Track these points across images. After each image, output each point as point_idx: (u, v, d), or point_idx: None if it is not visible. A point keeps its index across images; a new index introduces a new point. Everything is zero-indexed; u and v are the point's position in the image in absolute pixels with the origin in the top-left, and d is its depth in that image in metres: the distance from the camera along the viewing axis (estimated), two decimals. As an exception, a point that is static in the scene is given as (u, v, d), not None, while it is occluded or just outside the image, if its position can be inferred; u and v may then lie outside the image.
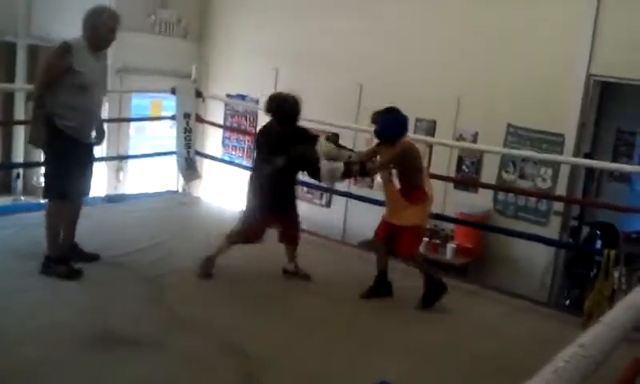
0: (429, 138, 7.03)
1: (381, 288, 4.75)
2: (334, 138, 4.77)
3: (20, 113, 8.75)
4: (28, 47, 8.92)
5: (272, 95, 4.94)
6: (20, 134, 8.89)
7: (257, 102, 8.31)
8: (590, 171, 7.06)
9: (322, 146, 4.64)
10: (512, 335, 4.40)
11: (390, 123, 4.54)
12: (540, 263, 6.59)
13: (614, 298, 4.53)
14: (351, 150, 4.82)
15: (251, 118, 8.91)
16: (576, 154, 6.46)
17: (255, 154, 5.16)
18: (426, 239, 6.62)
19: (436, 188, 4.75)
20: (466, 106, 7.05)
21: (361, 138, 7.34)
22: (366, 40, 7.78)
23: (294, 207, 5.01)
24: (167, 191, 7.57)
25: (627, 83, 6.40)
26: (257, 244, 4.85)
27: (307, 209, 8.18)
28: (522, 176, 6.81)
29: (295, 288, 4.85)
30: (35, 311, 3.86)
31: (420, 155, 4.71)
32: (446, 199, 6.83)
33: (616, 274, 4.69)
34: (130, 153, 8.71)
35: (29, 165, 8.52)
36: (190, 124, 7.04)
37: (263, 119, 5.66)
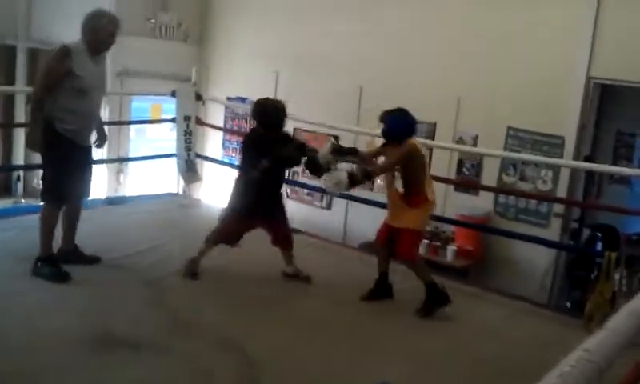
0: (429, 141, 7.02)
1: (381, 290, 4.75)
2: (336, 147, 4.71)
3: (20, 115, 8.74)
4: (28, 50, 8.92)
5: (257, 101, 4.91)
6: (20, 136, 8.87)
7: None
8: (590, 173, 7.06)
9: (324, 157, 4.61)
10: (513, 338, 4.39)
11: (398, 123, 4.53)
12: (540, 265, 6.59)
13: (614, 301, 4.53)
14: (355, 152, 4.77)
15: (251, 121, 8.90)
16: (576, 157, 6.47)
17: (241, 159, 5.14)
18: (426, 241, 6.63)
19: (436, 190, 4.74)
20: (466, 109, 7.05)
21: (361, 141, 7.34)
22: (366, 42, 7.79)
23: (280, 209, 4.96)
24: (168, 193, 7.57)
25: (627, 85, 6.40)
26: (234, 247, 4.83)
27: (308, 211, 8.21)
28: (522, 178, 6.81)
29: (296, 290, 4.84)
30: (35, 314, 3.85)
31: (425, 159, 4.69)
32: (446, 201, 6.83)
33: (617, 277, 4.69)
34: (131, 155, 8.72)
35: (29, 167, 8.50)
36: (190, 127, 7.04)
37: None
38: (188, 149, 7.06)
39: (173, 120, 7.19)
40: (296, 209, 8.06)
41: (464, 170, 7.18)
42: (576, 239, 6.98)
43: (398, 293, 4.77)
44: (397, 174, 4.68)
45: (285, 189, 8.31)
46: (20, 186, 9.23)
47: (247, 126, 8.96)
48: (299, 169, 7.63)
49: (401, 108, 4.57)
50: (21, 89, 8.66)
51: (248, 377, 3.41)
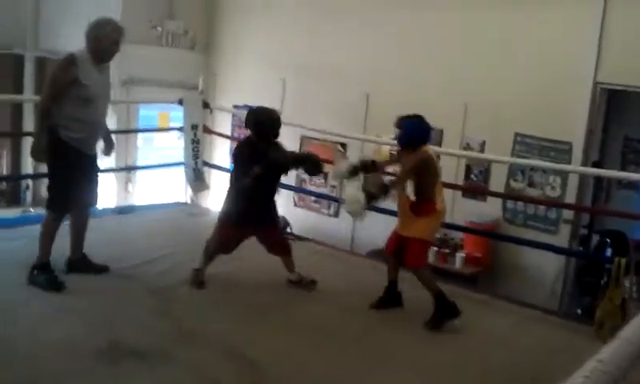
0: (437, 148, 7.00)
1: (391, 298, 4.72)
2: (355, 168, 4.57)
3: (29, 124, 8.78)
4: (36, 59, 8.98)
5: (251, 110, 4.88)
6: (29, 145, 8.91)
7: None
8: (598, 179, 7.02)
9: (338, 175, 4.57)
10: (522, 345, 4.36)
11: (413, 129, 4.51)
12: (550, 272, 6.55)
13: (624, 307, 4.49)
14: (373, 166, 4.70)
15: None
16: (584, 162, 6.44)
17: (233, 167, 5.12)
18: (435, 248, 6.60)
19: (445, 197, 4.72)
20: (473, 115, 7.04)
21: (368, 149, 7.34)
22: (373, 50, 7.79)
23: (273, 217, 4.94)
24: (176, 202, 7.57)
25: (634, 91, 6.37)
26: (228, 254, 4.81)
27: (315, 219, 8.20)
28: (530, 184, 6.79)
29: (303, 298, 4.83)
30: (42, 323, 3.86)
31: (438, 169, 4.65)
32: (454, 208, 6.80)
33: (627, 283, 4.66)
34: (139, 164, 8.73)
35: (38, 176, 8.52)
36: (197, 135, 7.05)
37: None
38: (195, 157, 7.06)
39: (180, 128, 7.20)
40: (304, 216, 8.07)
41: (472, 176, 7.16)
42: (585, 245, 6.93)
43: (408, 301, 4.74)
44: (408, 181, 4.65)
45: (293, 196, 8.35)
46: (29, 195, 9.27)
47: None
48: (306, 176, 7.66)
49: (417, 114, 4.54)
50: (29, 98, 8.71)
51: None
